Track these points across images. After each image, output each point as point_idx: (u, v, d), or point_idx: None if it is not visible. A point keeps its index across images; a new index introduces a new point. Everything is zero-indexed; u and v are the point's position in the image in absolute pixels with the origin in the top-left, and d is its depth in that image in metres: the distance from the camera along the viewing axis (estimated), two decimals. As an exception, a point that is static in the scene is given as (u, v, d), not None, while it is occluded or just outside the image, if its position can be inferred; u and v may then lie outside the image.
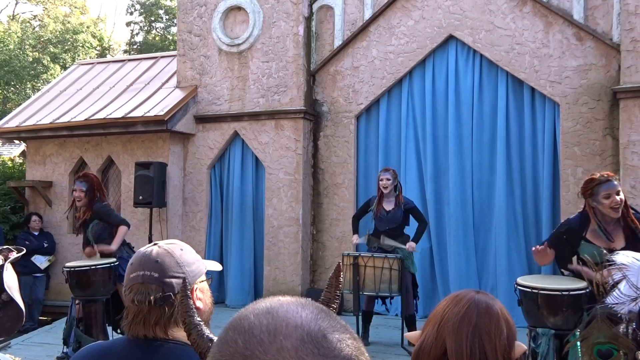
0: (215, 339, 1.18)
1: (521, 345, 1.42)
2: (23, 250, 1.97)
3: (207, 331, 1.25)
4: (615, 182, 4.24)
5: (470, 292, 1.48)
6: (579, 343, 1.22)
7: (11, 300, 1.80)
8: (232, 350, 0.75)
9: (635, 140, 7.53)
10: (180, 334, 1.75)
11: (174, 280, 1.75)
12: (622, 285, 1.20)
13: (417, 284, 7.01)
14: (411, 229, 7.06)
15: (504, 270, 8.23)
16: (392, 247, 6.77)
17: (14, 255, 1.91)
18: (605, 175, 4.29)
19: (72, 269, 5.80)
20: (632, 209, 4.35)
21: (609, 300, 1.19)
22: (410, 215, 6.98)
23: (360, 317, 6.81)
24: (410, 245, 6.75)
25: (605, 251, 4.19)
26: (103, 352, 1.79)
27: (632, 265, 1.22)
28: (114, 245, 6.30)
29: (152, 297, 1.73)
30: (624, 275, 1.20)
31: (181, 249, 1.84)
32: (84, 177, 6.53)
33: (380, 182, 6.91)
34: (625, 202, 4.24)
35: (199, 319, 1.28)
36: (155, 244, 1.84)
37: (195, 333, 1.25)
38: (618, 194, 4.19)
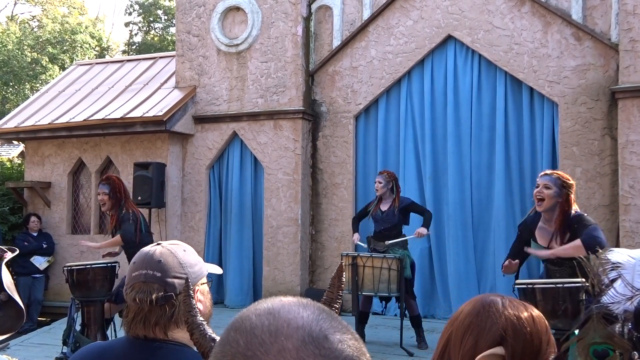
0: (217, 338, 1.19)
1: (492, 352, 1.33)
2: (16, 250, 1.97)
3: (209, 331, 1.25)
4: (550, 176, 4.36)
5: (492, 300, 1.39)
6: (576, 343, 1.22)
7: (10, 299, 1.80)
8: (234, 350, 0.75)
9: (634, 140, 7.54)
10: (179, 334, 1.75)
11: (176, 281, 1.75)
12: (618, 284, 1.19)
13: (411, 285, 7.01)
14: (411, 228, 7.07)
15: (502, 270, 8.23)
16: (389, 246, 6.79)
17: (8, 255, 1.90)
18: (549, 171, 4.55)
19: (71, 268, 5.87)
20: (581, 217, 4.36)
21: (605, 299, 1.19)
22: (412, 213, 7.00)
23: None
24: (419, 231, 6.74)
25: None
26: (102, 352, 1.80)
27: (627, 263, 1.22)
28: (97, 245, 6.34)
29: (153, 297, 1.72)
30: (619, 274, 1.20)
31: (184, 250, 1.84)
32: (106, 180, 6.34)
33: (375, 185, 6.98)
34: (565, 207, 4.28)
35: (201, 318, 1.28)
36: (158, 244, 1.85)
37: (197, 332, 1.25)
38: (547, 187, 4.28)
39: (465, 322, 1.34)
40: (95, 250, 6.24)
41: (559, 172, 4.65)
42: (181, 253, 1.82)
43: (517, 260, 4.46)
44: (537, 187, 4.37)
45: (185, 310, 1.30)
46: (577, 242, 4.14)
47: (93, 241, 9.96)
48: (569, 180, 4.40)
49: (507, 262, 4.51)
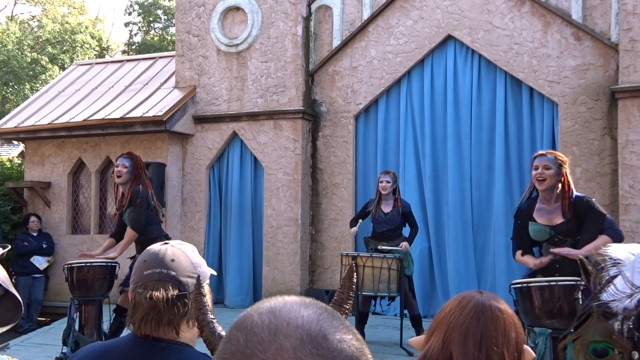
0: None
1: (530, 351, 1.41)
2: (8, 246, 1.97)
3: (219, 328, 1.27)
4: (547, 156, 4.41)
5: (475, 295, 1.46)
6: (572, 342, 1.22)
7: (6, 292, 1.79)
8: (234, 348, 0.76)
9: (634, 140, 7.55)
10: (187, 334, 1.76)
11: (189, 280, 1.76)
12: (618, 281, 1.19)
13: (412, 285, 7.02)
14: (407, 230, 7.08)
15: (502, 269, 8.23)
16: (385, 251, 6.80)
17: None
18: (544, 151, 4.57)
19: (72, 265, 5.87)
20: (579, 196, 4.45)
21: (604, 296, 1.19)
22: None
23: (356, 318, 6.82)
24: (404, 244, 6.77)
25: (548, 229, 4.37)
26: (104, 351, 1.79)
27: (627, 260, 1.22)
28: (115, 253, 5.96)
29: (169, 295, 1.73)
30: (620, 271, 1.20)
31: (192, 250, 1.87)
32: (127, 154, 6.13)
33: (380, 184, 6.93)
34: (567, 183, 4.37)
35: (212, 316, 1.30)
36: (166, 243, 1.86)
37: (207, 330, 1.27)
38: (547, 168, 4.33)
39: (507, 321, 1.42)
40: (98, 256, 6.00)
41: (552, 151, 4.71)
42: (191, 253, 1.84)
43: (549, 257, 4.33)
44: (537, 169, 4.36)
45: (196, 307, 1.32)
46: (605, 238, 4.17)
47: (93, 241, 10.00)
48: (563, 157, 4.50)
49: (540, 260, 4.34)
